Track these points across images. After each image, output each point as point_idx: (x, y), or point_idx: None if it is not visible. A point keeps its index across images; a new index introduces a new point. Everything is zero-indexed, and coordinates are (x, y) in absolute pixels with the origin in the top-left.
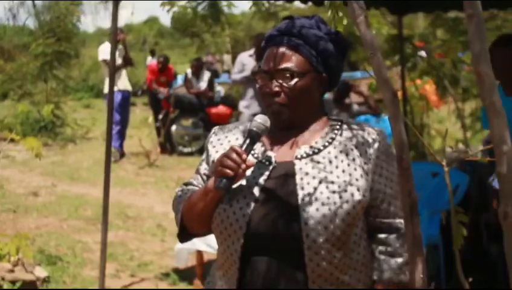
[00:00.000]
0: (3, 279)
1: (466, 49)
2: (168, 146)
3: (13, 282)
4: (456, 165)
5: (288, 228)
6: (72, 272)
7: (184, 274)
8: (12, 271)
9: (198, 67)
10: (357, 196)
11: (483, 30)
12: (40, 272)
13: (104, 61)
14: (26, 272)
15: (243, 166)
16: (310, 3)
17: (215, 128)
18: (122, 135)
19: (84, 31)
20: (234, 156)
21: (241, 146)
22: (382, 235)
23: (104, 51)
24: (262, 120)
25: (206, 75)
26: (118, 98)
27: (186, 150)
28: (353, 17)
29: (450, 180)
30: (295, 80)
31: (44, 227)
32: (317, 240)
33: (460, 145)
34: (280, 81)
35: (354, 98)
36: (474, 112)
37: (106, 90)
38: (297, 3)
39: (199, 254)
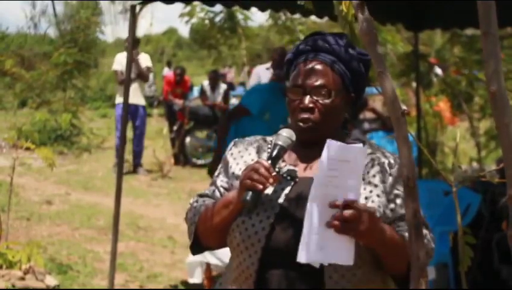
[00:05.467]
0: (13, 286)
1: (481, 68)
2: (182, 157)
3: None
4: (469, 184)
5: None
6: (82, 281)
7: (192, 287)
8: (23, 279)
9: (214, 80)
10: (377, 214)
11: (498, 49)
12: (50, 280)
13: (115, 72)
14: (36, 280)
15: (270, 180)
16: (326, 18)
17: (235, 140)
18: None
19: (103, 40)
20: (262, 170)
21: (267, 160)
22: None
23: (118, 61)
24: (288, 134)
25: (222, 87)
26: (119, 111)
27: (199, 161)
28: (361, 34)
29: (461, 199)
30: (331, 98)
31: (56, 235)
32: None
33: (474, 164)
34: (315, 97)
35: (367, 114)
36: (489, 131)
37: (116, 101)
38: (313, 18)
39: (208, 267)
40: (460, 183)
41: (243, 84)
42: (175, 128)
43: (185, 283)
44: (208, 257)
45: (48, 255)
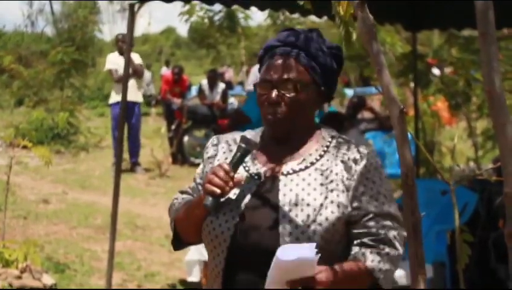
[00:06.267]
0: (10, 285)
1: (478, 68)
2: (180, 157)
3: (20, 289)
4: (466, 184)
5: (268, 244)
6: (79, 280)
7: (191, 285)
8: (19, 278)
9: (213, 79)
10: (337, 213)
11: (495, 49)
12: (47, 279)
13: (110, 71)
14: (33, 279)
15: (230, 184)
16: (325, 18)
17: (214, 138)
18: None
19: (101, 39)
20: (222, 174)
21: (230, 162)
22: (361, 240)
23: (111, 61)
24: (251, 136)
25: (220, 86)
26: (114, 110)
27: (197, 161)
28: (360, 32)
29: (458, 198)
30: (299, 92)
31: (53, 234)
32: None
33: (471, 164)
34: (282, 91)
35: (365, 114)
36: (486, 131)
37: (111, 100)
38: (312, 17)
39: (205, 265)
40: (457, 182)
41: (241, 83)
42: (173, 127)
43: (183, 281)
44: (205, 254)
45: (44, 254)
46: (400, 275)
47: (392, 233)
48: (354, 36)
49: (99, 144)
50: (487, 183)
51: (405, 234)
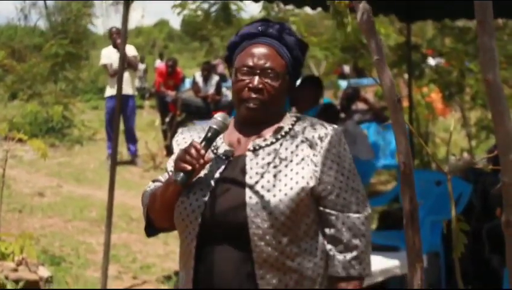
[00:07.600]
0: (6, 278)
1: (472, 59)
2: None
3: (16, 281)
4: (460, 174)
5: (236, 216)
6: (75, 272)
7: None
8: (16, 270)
9: (207, 71)
10: (301, 183)
11: (493, 37)
12: (43, 272)
13: (105, 66)
14: (29, 271)
15: (201, 161)
16: (319, 9)
17: (182, 129)
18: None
19: (94, 32)
20: (193, 151)
21: (200, 142)
22: (331, 231)
23: (105, 55)
24: (222, 118)
25: (214, 79)
26: (110, 103)
27: None
28: (360, 22)
29: (453, 188)
30: (279, 81)
31: (48, 227)
32: (261, 225)
33: (465, 154)
34: (265, 79)
35: (359, 105)
36: (480, 121)
37: (106, 94)
38: (306, 9)
39: None
40: (451, 173)
41: None
42: (167, 120)
43: (178, 273)
44: None
45: (40, 247)
46: (395, 265)
47: (356, 219)
48: (349, 28)
49: (93, 137)
50: (481, 173)
51: (368, 210)
